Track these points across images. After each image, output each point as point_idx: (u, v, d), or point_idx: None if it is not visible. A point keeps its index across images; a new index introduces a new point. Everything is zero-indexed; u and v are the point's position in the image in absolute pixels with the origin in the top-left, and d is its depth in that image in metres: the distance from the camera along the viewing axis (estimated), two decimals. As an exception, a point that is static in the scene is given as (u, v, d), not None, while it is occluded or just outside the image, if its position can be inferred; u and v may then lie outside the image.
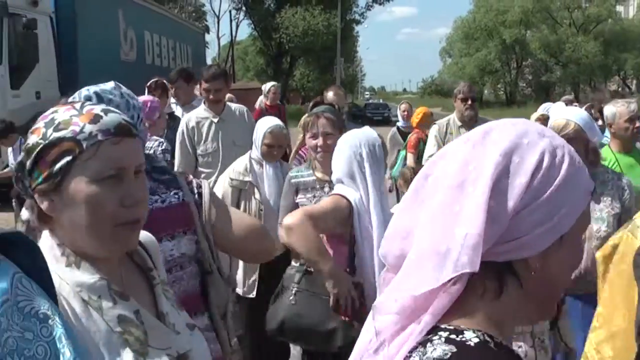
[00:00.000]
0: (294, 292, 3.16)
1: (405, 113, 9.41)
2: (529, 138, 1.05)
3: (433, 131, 6.51)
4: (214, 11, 78.08)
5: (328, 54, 50.17)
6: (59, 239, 1.45)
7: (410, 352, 1.01)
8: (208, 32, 36.27)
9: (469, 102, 6.25)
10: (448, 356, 0.97)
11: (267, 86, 10.59)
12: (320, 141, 3.69)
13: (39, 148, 1.39)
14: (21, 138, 8.47)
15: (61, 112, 1.42)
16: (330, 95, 6.60)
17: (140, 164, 1.47)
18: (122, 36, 17.84)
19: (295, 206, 3.69)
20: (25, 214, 1.52)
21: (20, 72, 12.73)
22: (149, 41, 20.08)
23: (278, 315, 3.17)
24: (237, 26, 62.53)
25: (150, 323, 1.47)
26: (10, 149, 8.67)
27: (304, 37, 46.51)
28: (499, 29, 64.96)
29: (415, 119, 8.32)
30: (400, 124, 9.48)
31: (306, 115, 4.08)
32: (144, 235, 1.63)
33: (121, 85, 2.29)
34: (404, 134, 8.94)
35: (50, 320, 0.91)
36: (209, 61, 42.91)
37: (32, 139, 1.41)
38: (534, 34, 64.88)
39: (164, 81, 6.96)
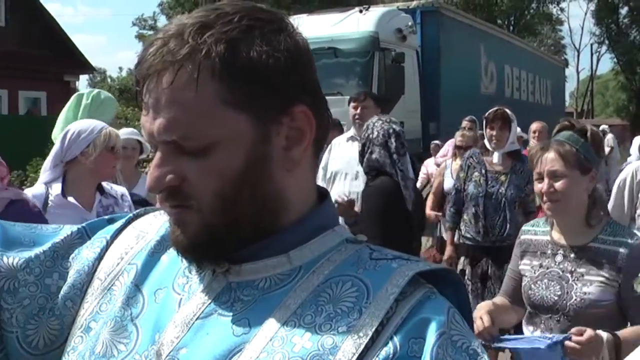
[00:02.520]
0: None
1: None
2: None
3: None
4: (574, 44, 75.45)
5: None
6: None
7: None
8: (567, 66, 35.14)
9: None
10: None
11: None
12: (544, 185, 2.53)
13: None
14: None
15: None
16: None
17: None
18: (483, 69, 17.97)
19: (518, 274, 2.77)
20: None
21: (386, 102, 13.52)
22: (509, 75, 19.93)
23: None
24: (598, 60, 59.87)
25: None
26: None
27: (673, 71, 43.01)
28: None
29: None
30: None
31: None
32: None
33: None
34: None
35: (479, 357, 0.89)
36: (567, 96, 41.61)
37: None
38: None
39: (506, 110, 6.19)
